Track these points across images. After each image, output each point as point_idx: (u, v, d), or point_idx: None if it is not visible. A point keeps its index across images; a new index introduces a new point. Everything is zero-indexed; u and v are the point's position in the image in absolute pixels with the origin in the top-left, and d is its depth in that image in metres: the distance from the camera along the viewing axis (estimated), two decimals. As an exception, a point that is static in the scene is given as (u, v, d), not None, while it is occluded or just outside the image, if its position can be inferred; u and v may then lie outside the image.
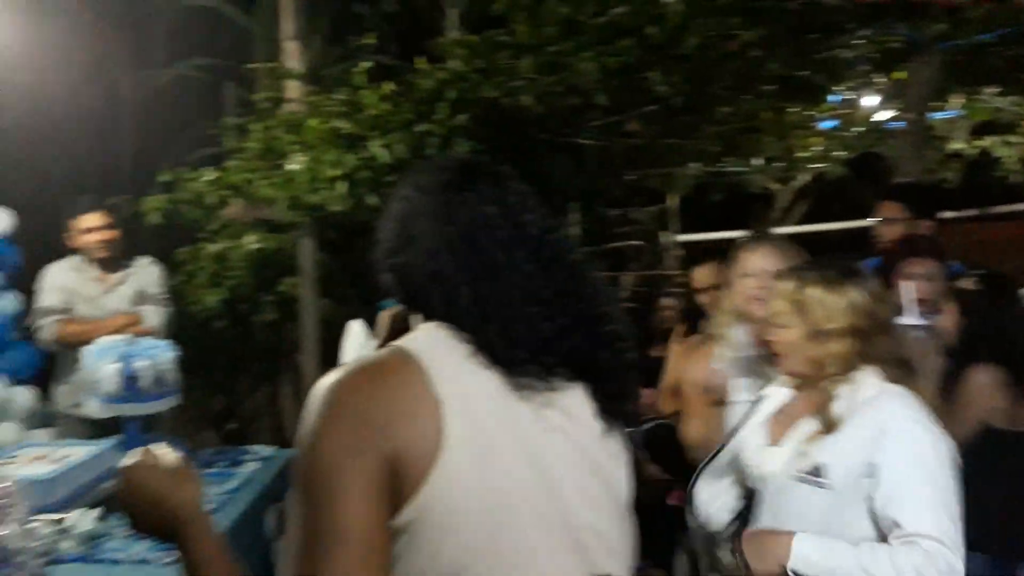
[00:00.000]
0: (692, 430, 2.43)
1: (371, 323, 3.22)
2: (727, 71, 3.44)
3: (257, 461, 2.97)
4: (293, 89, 3.85)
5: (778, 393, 1.64)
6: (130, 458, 0.98)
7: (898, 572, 1.29)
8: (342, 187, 3.24)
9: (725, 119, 4.16)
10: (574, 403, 0.93)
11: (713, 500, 1.69)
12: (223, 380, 4.75)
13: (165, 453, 0.98)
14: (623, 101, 3.70)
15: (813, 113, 5.26)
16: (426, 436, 0.81)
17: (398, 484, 0.81)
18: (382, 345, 1.79)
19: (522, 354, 0.89)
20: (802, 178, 6.96)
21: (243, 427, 4.93)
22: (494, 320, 0.90)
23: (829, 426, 1.46)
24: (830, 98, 4.83)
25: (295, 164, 3.35)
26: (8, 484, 1.96)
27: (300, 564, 0.80)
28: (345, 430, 0.81)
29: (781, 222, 7.29)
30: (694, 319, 2.92)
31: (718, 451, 1.73)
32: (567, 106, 3.53)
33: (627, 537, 0.95)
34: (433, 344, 0.89)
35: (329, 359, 4.37)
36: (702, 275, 2.90)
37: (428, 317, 0.94)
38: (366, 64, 3.40)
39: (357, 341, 3.12)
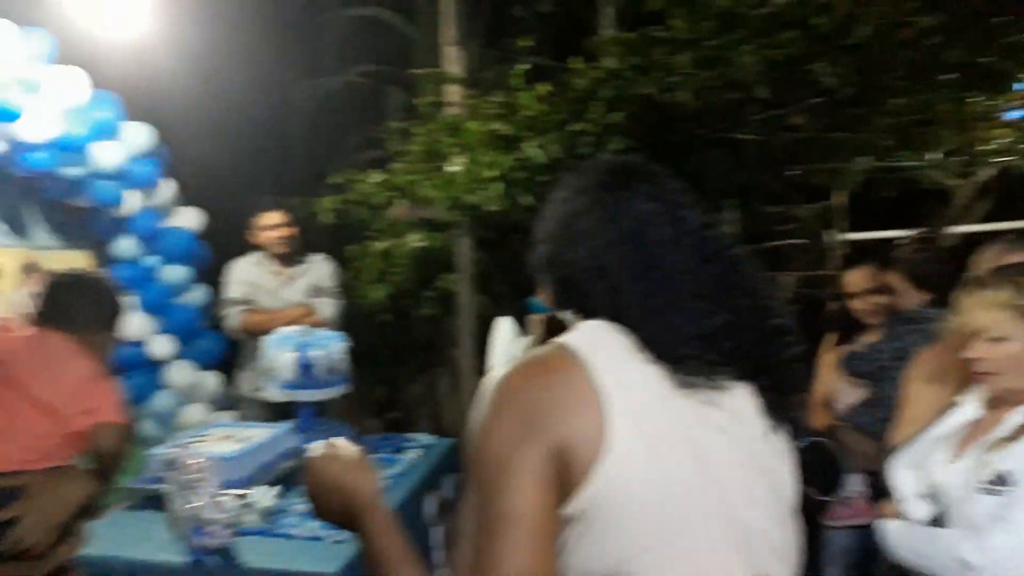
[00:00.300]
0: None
1: (520, 320, 3.27)
2: (902, 60, 3.20)
3: (418, 449, 3.09)
4: (453, 93, 3.97)
5: (969, 410, 1.53)
6: (314, 450, 1.06)
7: None
8: (498, 187, 3.31)
9: (898, 111, 3.87)
10: (738, 401, 0.93)
11: (907, 486, 1.62)
12: (386, 370, 4.99)
13: (345, 446, 1.06)
14: (786, 94, 3.54)
15: (998, 103, 4.79)
16: (591, 428, 0.84)
17: (566, 474, 0.84)
18: (538, 344, 1.82)
19: (685, 350, 0.90)
20: (984, 173, 6.36)
21: (404, 416, 5.16)
22: (657, 316, 0.92)
23: (1016, 434, 1.35)
24: (1017, 86, 4.39)
25: (455, 165, 3.46)
26: (202, 460, 2.16)
27: (475, 547, 0.84)
28: (514, 422, 0.85)
29: (959, 220, 6.70)
30: (847, 327, 2.75)
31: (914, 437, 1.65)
32: (725, 101, 3.42)
33: (792, 539, 0.93)
34: (595, 341, 0.91)
35: (483, 353, 4.50)
36: (856, 278, 2.70)
37: (588, 315, 0.97)
38: (523, 66, 3.45)
39: (505, 338, 3.18)
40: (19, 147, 2.98)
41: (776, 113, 3.89)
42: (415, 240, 4.06)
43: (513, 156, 3.29)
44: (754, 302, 0.96)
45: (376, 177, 4.14)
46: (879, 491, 2.43)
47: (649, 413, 0.86)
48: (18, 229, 3.31)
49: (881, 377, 2.47)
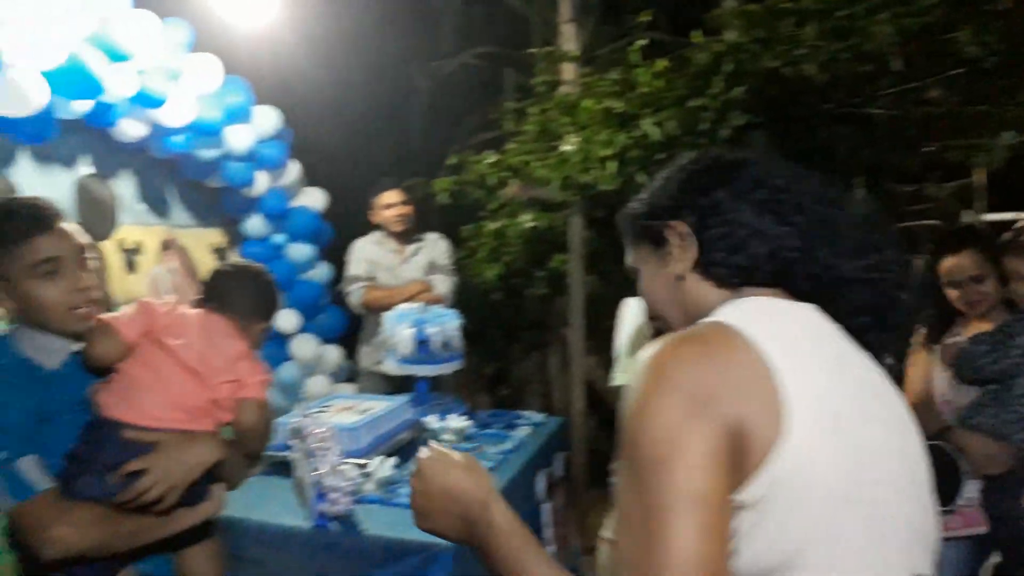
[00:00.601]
0: None
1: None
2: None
3: (529, 426, 3.12)
4: (568, 71, 3.94)
5: None
6: (424, 454, 1.03)
7: None
8: (612, 166, 3.27)
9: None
10: (886, 384, 0.90)
11: None
12: (497, 348, 5.06)
13: (454, 453, 1.03)
14: (922, 65, 3.32)
15: None
16: (767, 408, 0.78)
17: (740, 457, 0.77)
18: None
19: (850, 324, 0.88)
20: None
21: (513, 393, 5.22)
22: (816, 289, 0.90)
23: None
24: None
25: (568, 145, 3.44)
26: (326, 430, 2.26)
27: (634, 537, 0.78)
28: (678, 400, 0.78)
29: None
30: (944, 320, 2.50)
31: None
32: (855, 74, 3.24)
33: (936, 531, 0.88)
34: (750, 316, 0.86)
35: (593, 332, 4.50)
36: (960, 264, 2.40)
37: (729, 285, 0.94)
38: (640, 41, 3.38)
39: (631, 319, 3.15)
40: (160, 131, 3.19)
41: (910, 86, 3.65)
42: (527, 220, 4.07)
43: (629, 134, 3.23)
44: (897, 280, 0.93)
45: (490, 158, 4.18)
46: (1000, 497, 2.26)
47: (823, 393, 0.81)
48: (158, 208, 3.55)
49: (1014, 374, 2.26)
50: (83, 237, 1.46)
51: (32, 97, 2.42)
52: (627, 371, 2.34)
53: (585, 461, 3.90)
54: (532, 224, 4.08)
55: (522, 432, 3.02)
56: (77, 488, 1.39)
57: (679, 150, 3.25)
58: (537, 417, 3.25)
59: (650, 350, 0.84)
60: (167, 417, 1.47)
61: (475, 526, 0.95)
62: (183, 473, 1.46)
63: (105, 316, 1.51)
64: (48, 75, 2.49)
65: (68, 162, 3.04)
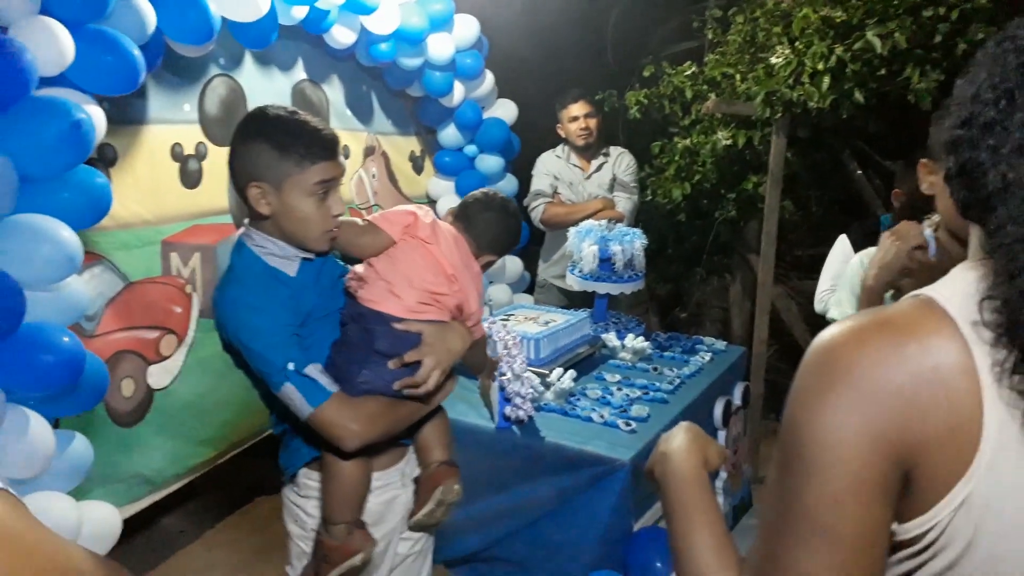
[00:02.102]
0: None
1: (861, 237, 3.02)
2: None
3: (709, 352, 3.06)
4: (782, -24, 3.63)
5: None
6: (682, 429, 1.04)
7: None
8: (826, 81, 3.01)
9: None
10: None
11: None
12: (676, 269, 4.95)
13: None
14: None
15: None
16: (959, 429, 0.64)
17: (913, 483, 0.66)
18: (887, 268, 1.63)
19: None
20: None
21: (689, 317, 5.12)
22: None
23: None
24: None
25: (778, 57, 3.19)
26: (513, 337, 2.32)
27: (770, 540, 0.71)
28: (849, 404, 0.65)
29: None
30: None
31: None
32: None
33: None
34: (975, 295, 0.67)
35: (780, 261, 4.28)
36: None
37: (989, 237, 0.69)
38: (869, -58, 3.03)
39: (840, 259, 2.97)
40: (367, 39, 3.29)
41: None
42: (724, 137, 3.87)
43: (848, 46, 2.95)
44: None
45: (688, 69, 3.98)
46: None
47: None
48: (362, 115, 3.70)
49: None
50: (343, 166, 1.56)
51: (258, 2, 2.57)
52: (843, 306, 2.22)
53: (762, 391, 3.78)
54: (728, 142, 3.87)
55: (702, 358, 2.97)
56: (358, 382, 1.52)
57: (906, 66, 2.93)
58: (719, 344, 3.18)
59: (830, 333, 0.70)
60: (427, 310, 1.58)
61: (661, 476, 0.97)
62: (451, 359, 1.59)
63: (373, 216, 1.64)
64: (271, -18, 2.62)
65: (286, 67, 3.22)
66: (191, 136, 2.81)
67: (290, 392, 1.45)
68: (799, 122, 3.45)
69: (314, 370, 1.47)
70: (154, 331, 2.69)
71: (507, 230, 1.78)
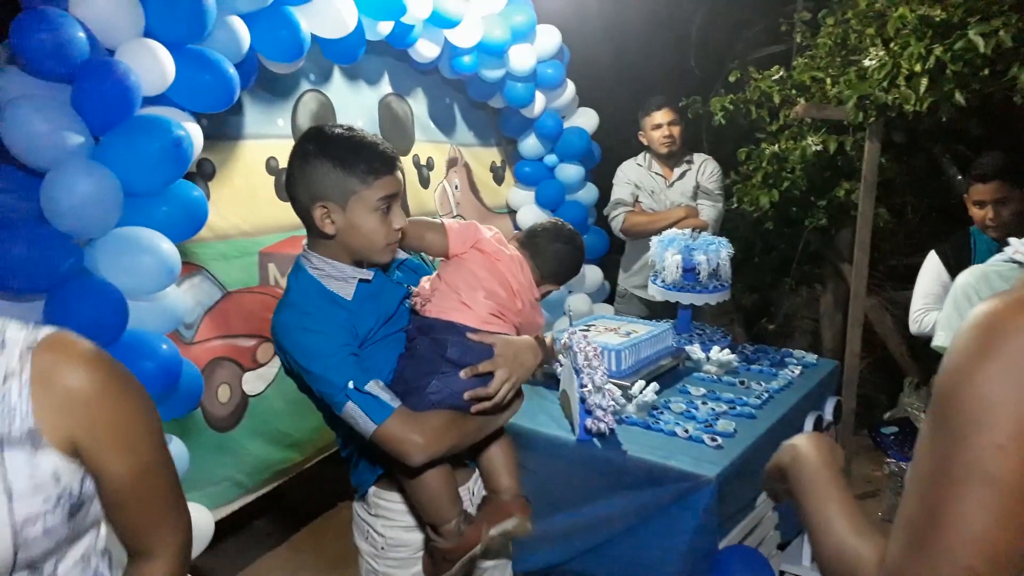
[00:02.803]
0: None
1: (951, 250, 2.88)
2: None
3: (799, 365, 2.96)
4: (876, -25, 3.50)
5: None
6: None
7: None
8: (923, 84, 2.88)
9: None
10: None
11: None
12: (764, 279, 4.82)
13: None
14: None
15: None
16: None
17: None
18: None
19: None
20: None
21: (777, 329, 4.97)
22: None
23: None
24: None
25: (871, 59, 3.07)
26: (594, 348, 2.30)
27: (921, 497, 0.74)
28: (1008, 372, 0.69)
29: None
30: None
31: None
32: None
33: None
34: None
35: (874, 270, 4.10)
36: None
37: None
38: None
39: (931, 277, 2.84)
40: (450, 51, 3.34)
41: None
42: (814, 143, 3.74)
43: (948, 47, 2.81)
44: None
45: (776, 74, 3.87)
46: None
47: None
48: (445, 127, 3.76)
49: None
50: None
51: (346, 19, 2.64)
52: (950, 331, 2.11)
53: (854, 406, 3.63)
54: (818, 148, 3.74)
55: (792, 371, 2.87)
56: (428, 393, 1.53)
57: (1011, 65, 2.77)
58: (809, 357, 3.07)
59: (990, 305, 0.74)
60: (496, 322, 1.59)
61: (791, 461, 0.99)
62: (523, 375, 1.59)
63: (446, 221, 1.68)
64: (358, -1, 2.69)
65: (373, 81, 3.30)
66: (285, 150, 2.88)
67: (352, 411, 1.46)
68: (894, 126, 3.31)
69: (375, 387, 1.47)
70: (251, 339, 2.78)
71: (572, 263, 1.78)
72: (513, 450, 1.77)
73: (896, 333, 4.36)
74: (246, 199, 2.75)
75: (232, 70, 2.26)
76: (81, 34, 1.90)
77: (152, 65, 2.04)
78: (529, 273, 1.70)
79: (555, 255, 1.75)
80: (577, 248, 1.79)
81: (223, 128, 2.65)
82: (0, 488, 0.88)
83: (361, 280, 1.56)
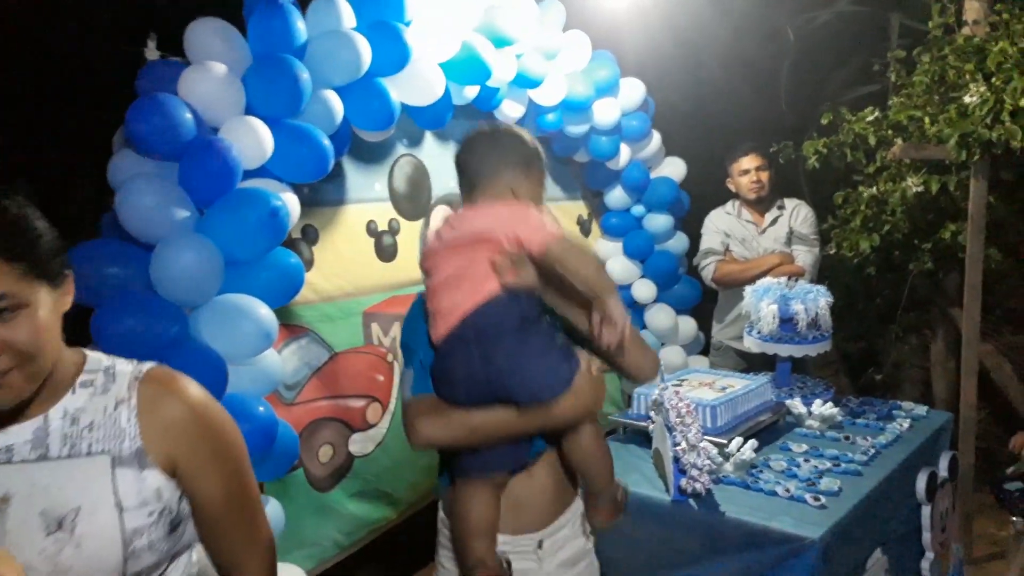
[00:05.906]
0: None
1: None
2: None
3: (908, 418, 2.81)
4: (973, 11, 3.37)
5: None
6: None
7: None
8: (1030, 120, 2.74)
9: None
10: None
11: None
12: (868, 327, 4.61)
13: None
14: None
15: None
16: None
17: None
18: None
19: None
20: None
21: (886, 379, 4.73)
22: None
23: None
24: None
25: (973, 96, 2.94)
26: (688, 405, 2.24)
27: None
28: None
29: None
30: None
31: None
32: None
33: None
34: None
35: (988, 314, 3.86)
36: None
37: None
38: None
39: None
40: (534, 110, 3.40)
41: None
42: (914, 184, 3.59)
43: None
44: None
45: (870, 114, 3.76)
46: None
47: None
48: (532, 182, 3.80)
49: None
50: None
51: (434, 86, 2.73)
52: None
53: (972, 461, 3.39)
54: (919, 189, 3.59)
55: (900, 425, 2.72)
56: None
57: None
58: (919, 409, 2.91)
59: None
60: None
61: None
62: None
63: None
64: (444, 65, 2.78)
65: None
66: (384, 213, 3.01)
67: (407, 376, 1.58)
68: (1001, 164, 3.14)
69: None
70: (360, 399, 2.85)
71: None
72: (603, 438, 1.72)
73: (1016, 380, 4.08)
74: (349, 261, 2.85)
75: (327, 141, 2.37)
76: (188, 115, 2.03)
77: (252, 140, 2.16)
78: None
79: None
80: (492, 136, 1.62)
81: (324, 195, 2.76)
82: (112, 503, 1.00)
83: None
